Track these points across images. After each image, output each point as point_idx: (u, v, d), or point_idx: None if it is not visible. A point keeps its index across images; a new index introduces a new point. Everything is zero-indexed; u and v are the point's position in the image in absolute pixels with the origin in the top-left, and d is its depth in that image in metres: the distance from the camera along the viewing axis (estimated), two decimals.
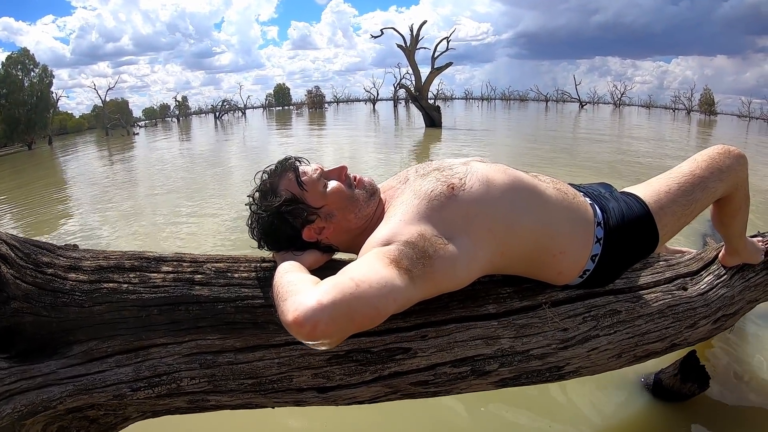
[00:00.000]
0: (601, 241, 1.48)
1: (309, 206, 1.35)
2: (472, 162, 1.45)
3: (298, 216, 1.35)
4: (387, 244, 1.18)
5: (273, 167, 1.41)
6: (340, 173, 1.41)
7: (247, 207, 1.40)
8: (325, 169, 1.42)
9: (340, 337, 1.02)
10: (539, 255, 1.42)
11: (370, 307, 1.02)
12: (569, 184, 1.59)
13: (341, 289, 1.00)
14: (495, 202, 1.32)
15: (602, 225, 1.50)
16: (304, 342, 1.01)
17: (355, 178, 1.43)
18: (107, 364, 1.21)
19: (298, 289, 1.05)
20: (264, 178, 1.40)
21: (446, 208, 1.26)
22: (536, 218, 1.37)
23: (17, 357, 1.18)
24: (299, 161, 1.42)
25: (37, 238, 1.32)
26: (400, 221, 1.24)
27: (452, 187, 1.30)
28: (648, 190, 1.59)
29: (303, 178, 1.35)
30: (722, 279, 1.83)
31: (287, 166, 1.38)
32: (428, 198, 1.28)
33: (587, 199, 1.56)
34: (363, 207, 1.39)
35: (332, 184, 1.38)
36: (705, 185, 1.56)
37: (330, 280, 1.04)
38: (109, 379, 1.20)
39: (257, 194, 1.39)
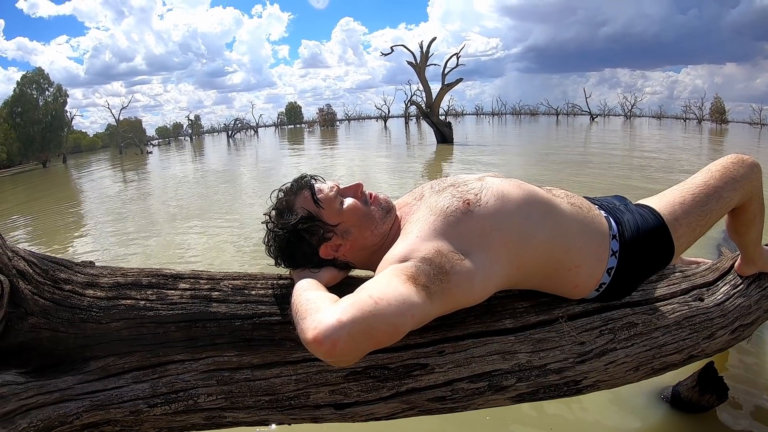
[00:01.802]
0: (617, 254, 1.47)
1: (325, 223, 1.35)
2: (486, 177, 1.45)
3: (315, 233, 1.35)
4: (404, 260, 1.18)
5: (289, 185, 1.41)
6: (356, 190, 1.41)
7: (264, 225, 1.40)
8: (341, 187, 1.42)
9: (359, 355, 1.02)
10: (555, 269, 1.42)
11: (388, 324, 1.02)
12: (584, 197, 1.59)
13: (360, 307, 1.00)
14: (510, 217, 1.31)
15: (617, 238, 1.49)
16: (323, 359, 1.01)
17: (370, 195, 1.42)
18: (124, 380, 1.21)
19: (317, 307, 1.05)
20: (280, 196, 1.41)
21: (462, 224, 1.26)
22: (551, 232, 1.37)
23: (34, 372, 1.19)
24: (315, 179, 1.42)
25: (53, 255, 1.32)
26: (416, 238, 1.24)
27: (468, 203, 1.30)
28: (662, 201, 1.59)
29: (319, 196, 1.36)
30: (739, 289, 1.81)
31: (303, 184, 1.39)
32: (444, 214, 1.28)
33: (602, 212, 1.55)
34: (379, 224, 1.39)
35: (348, 201, 1.38)
36: (720, 195, 1.55)
37: (349, 298, 1.04)
38: (126, 395, 1.20)
39: (273, 212, 1.39)
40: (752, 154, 1.67)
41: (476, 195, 1.33)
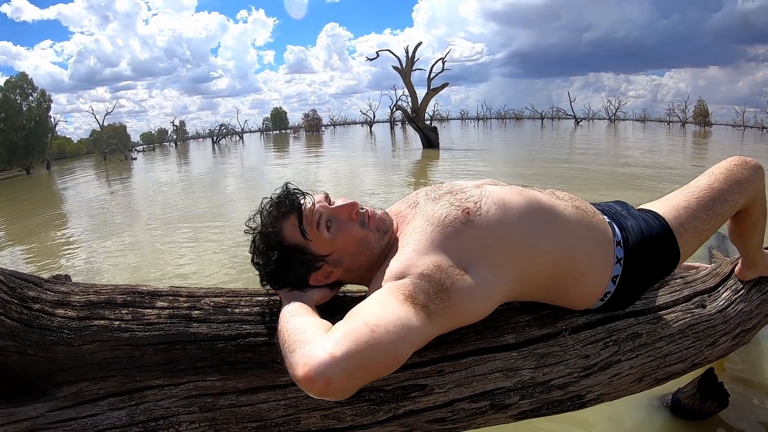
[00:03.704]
0: (622, 262, 1.42)
1: (315, 255, 1.25)
2: (485, 184, 1.38)
3: (304, 266, 1.25)
4: (400, 277, 1.10)
5: (275, 204, 1.27)
6: (350, 212, 1.28)
7: (250, 245, 1.30)
8: (333, 203, 1.30)
9: (354, 389, 0.94)
10: (560, 279, 1.36)
11: (387, 354, 0.94)
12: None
13: (355, 337, 0.92)
14: (513, 227, 1.24)
15: (622, 244, 1.44)
16: (315, 397, 0.93)
17: (368, 215, 1.30)
18: (99, 407, 1.13)
19: (307, 338, 0.97)
20: (266, 215, 1.27)
21: (462, 235, 1.19)
22: (556, 241, 1.31)
23: (3, 399, 1.11)
24: (303, 196, 1.28)
25: (31, 267, 1.23)
26: (413, 251, 1.16)
27: (467, 212, 1.23)
28: (666, 206, 1.54)
29: (306, 228, 1.23)
30: (740, 294, 1.78)
31: (291, 207, 1.25)
32: (442, 224, 1.20)
33: (605, 217, 1.49)
34: (375, 248, 1.28)
35: (341, 229, 1.26)
36: (725, 198, 1.51)
37: (342, 327, 0.96)
38: (102, 423, 1.12)
39: (259, 237, 1.28)
40: (737, 154, 1.63)
41: (476, 203, 1.25)
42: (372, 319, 0.96)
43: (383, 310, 1.00)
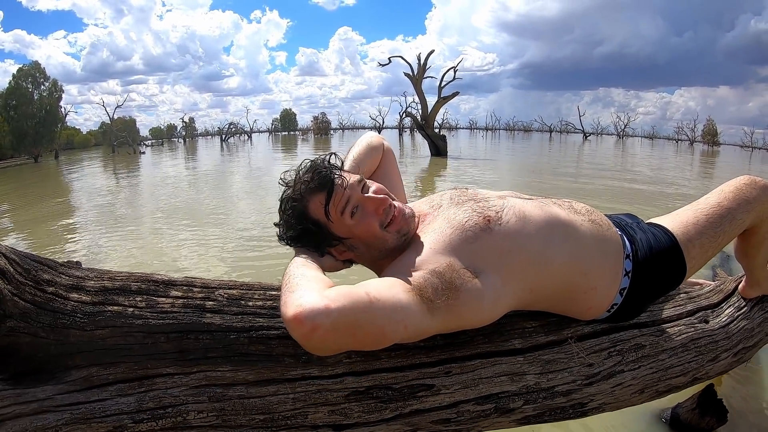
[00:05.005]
0: (630, 275, 1.44)
1: (333, 234, 1.28)
2: (508, 196, 1.41)
3: (321, 240, 1.29)
4: (413, 270, 1.14)
5: (308, 177, 1.29)
6: (377, 206, 1.29)
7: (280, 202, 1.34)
8: (367, 190, 1.31)
9: (336, 349, 0.99)
10: (570, 291, 1.39)
11: (376, 326, 0.98)
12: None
13: (353, 300, 0.95)
14: (530, 239, 1.27)
15: (631, 258, 1.46)
16: (297, 341, 0.96)
17: (395, 216, 1.30)
18: (108, 393, 1.13)
19: (311, 287, 1.00)
20: (299, 181, 1.30)
21: (479, 241, 1.22)
22: (570, 256, 1.34)
23: (11, 379, 1.11)
24: (339, 175, 1.28)
25: (37, 254, 1.23)
26: (429, 249, 1.20)
27: (488, 220, 1.26)
28: (675, 221, 1.56)
29: (330, 210, 1.25)
30: (742, 311, 1.80)
31: (323, 183, 1.26)
32: (462, 228, 1.24)
33: (617, 229, 1.51)
34: (390, 246, 1.30)
35: (363, 219, 1.27)
36: (733, 217, 1.53)
37: (345, 288, 0.99)
38: (110, 408, 1.12)
39: (286, 200, 1.32)
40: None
41: (497, 213, 1.29)
42: (374, 292, 1.00)
43: (388, 290, 1.04)
